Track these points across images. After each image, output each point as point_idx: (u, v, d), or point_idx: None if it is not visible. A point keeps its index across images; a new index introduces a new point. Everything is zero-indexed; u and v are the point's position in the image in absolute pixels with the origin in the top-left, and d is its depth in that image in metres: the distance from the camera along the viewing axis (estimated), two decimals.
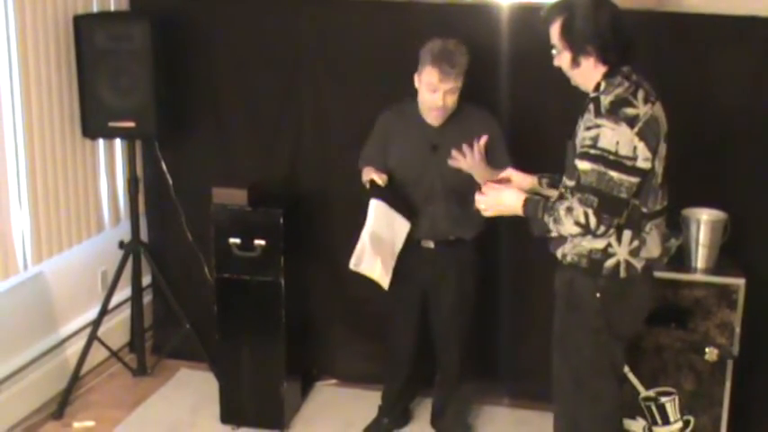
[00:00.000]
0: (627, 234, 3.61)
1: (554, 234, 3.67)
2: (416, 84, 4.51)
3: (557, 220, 3.57)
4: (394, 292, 4.71)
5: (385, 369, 5.14)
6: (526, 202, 3.70)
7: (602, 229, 3.50)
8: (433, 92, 4.40)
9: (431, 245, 4.66)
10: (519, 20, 4.79)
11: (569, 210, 3.51)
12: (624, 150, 3.43)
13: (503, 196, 3.81)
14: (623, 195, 3.47)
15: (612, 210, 3.48)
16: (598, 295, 3.65)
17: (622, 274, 3.64)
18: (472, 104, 4.59)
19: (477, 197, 3.88)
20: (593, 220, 3.46)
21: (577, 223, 3.49)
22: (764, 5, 4.61)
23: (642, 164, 3.47)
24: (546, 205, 3.62)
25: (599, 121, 3.48)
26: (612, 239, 3.60)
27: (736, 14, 4.63)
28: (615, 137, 3.44)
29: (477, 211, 3.98)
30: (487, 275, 5.09)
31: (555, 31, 3.62)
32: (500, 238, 5.05)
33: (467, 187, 4.37)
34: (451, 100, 4.44)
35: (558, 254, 3.78)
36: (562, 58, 3.64)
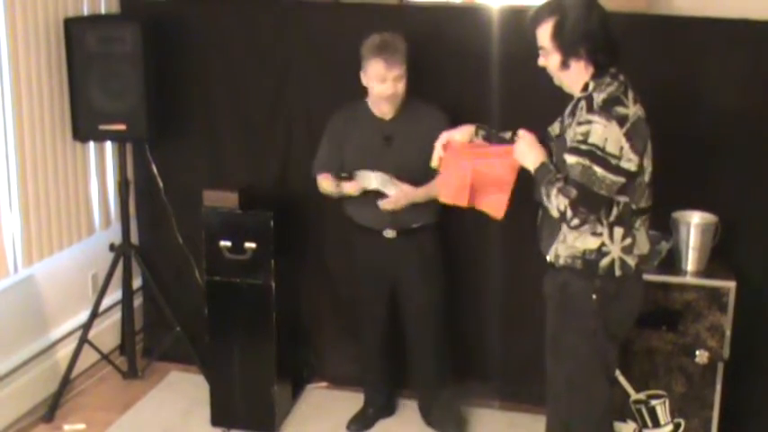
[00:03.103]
0: (618, 231, 3.63)
1: (546, 204, 3.68)
2: (364, 81, 4.63)
3: (548, 196, 3.60)
4: (360, 287, 4.92)
5: (362, 364, 5.21)
6: (541, 166, 3.68)
7: (576, 222, 3.53)
8: (383, 81, 4.54)
9: (392, 234, 4.71)
10: (509, 22, 4.80)
11: (559, 191, 3.55)
12: (611, 148, 3.45)
13: (532, 149, 3.75)
14: (603, 192, 3.50)
15: (589, 205, 3.51)
16: (594, 297, 3.66)
17: (617, 272, 3.65)
18: (419, 99, 4.70)
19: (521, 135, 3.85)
20: (569, 212, 3.51)
21: (558, 209, 3.56)
22: (754, 8, 4.62)
23: (625, 164, 3.48)
24: (554, 178, 3.62)
25: (591, 117, 3.50)
26: (605, 237, 3.63)
27: (727, 17, 4.63)
28: (605, 134, 3.46)
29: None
30: (478, 275, 5.11)
31: (545, 32, 3.62)
32: (490, 238, 5.06)
33: (422, 175, 4.49)
34: (401, 87, 4.57)
35: (550, 256, 3.78)
36: (550, 60, 3.65)
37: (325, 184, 4.77)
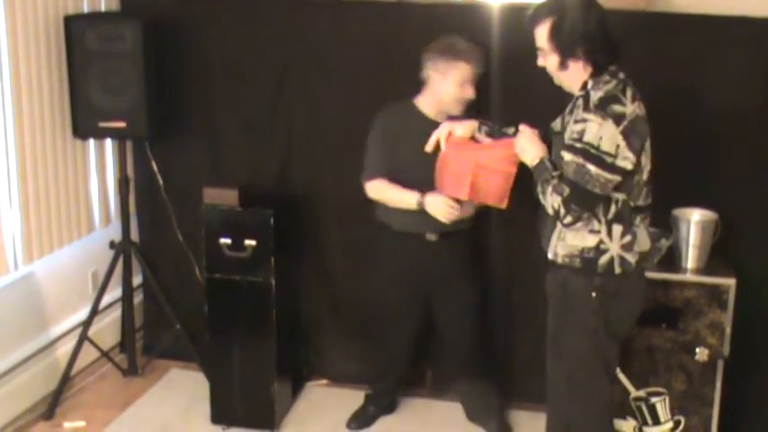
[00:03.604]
0: (617, 229, 3.63)
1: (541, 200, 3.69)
2: (434, 79, 4.56)
3: (544, 192, 3.61)
4: (394, 292, 4.86)
5: (376, 366, 5.21)
6: (539, 162, 3.68)
7: (569, 219, 3.54)
8: (462, 85, 4.52)
9: (434, 237, 4.68)
10: (510, 20, 4.80)
11: (554, 189, 3.56)
12: (606, 146, 3.45)
13: (532, 145, 3.76)
14: (596, 190, 3.50)
15: (582, 202, 3.51)
16: (594, 295, 3.66)
17: (617, 269, 3.65)
18: None
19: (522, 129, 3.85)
20: (562, 210, 3.52)
21: (552, 207, 3.57)
22: (754, 6, 4.62)
23: (621, 162, 3.48)
24: (550, 176, 3.61)
25: (586, 116, 3.51)
26: (604, 235, 3.62)
27: (726, 15, 4.63)
28: (600, 132, 3.46)
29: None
30: (479, 274, 5.11)
31: (543, 33, 3.62)
32: (492, 236, 5.06)
33: None
34: (475, 92, 4.59)
35: (550, 254, 3.79)
36: (549, 60, 3.65)
37: (385, 188, 4.65)
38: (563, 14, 3.57)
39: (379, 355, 5.16)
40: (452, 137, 3.99)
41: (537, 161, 3.69)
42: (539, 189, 3.64)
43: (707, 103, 4.72)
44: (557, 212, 3.56)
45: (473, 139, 4.03)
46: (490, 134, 4.01)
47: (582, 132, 3.49)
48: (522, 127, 3.82)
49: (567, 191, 3.51)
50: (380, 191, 4.67)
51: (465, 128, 4.00)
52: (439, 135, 4.01)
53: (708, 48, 4.70)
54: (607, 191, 3.53)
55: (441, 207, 4.45)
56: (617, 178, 3.51)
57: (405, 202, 4.58)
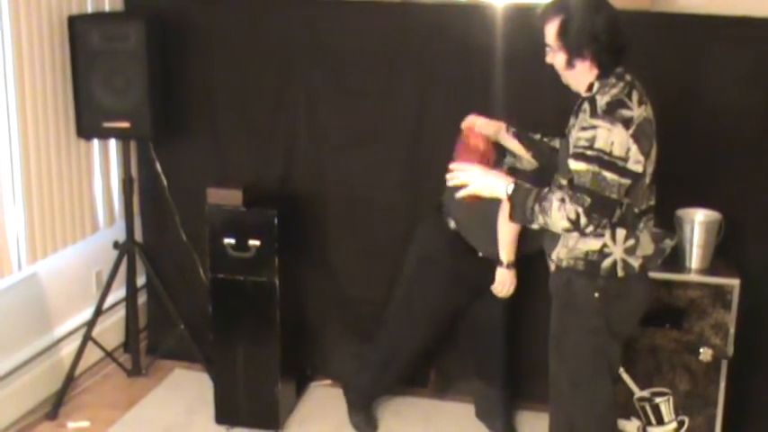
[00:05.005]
0: (621, 233, 3.61)
1: (535, 225, 3.60)
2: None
3: (545, 211, 3.49)
4: (441, 300, 4.81)
5: (382, 370, 5.12)
6: (516, 188, 3.59)
7: (591, 228, 3.48)
8: None
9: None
10: (513, 20, 4.79)
11: (562, 202, 3.46)
12: (618, 151, 3.42)
13: (490, 175, 3.68)
14: (614, 196, 3.46)
15: (603, 210, 3.47)
16: (596, 295, 3.64)
17: (620, 273, 3.63)
18: None
19: (460, 172, 3.72)
20: (583, 219, 3.45)
21: (568, 219, 3.45)
22: (757, 6, 4.62)
23: (632, 166, 3.46)
24: (540, 194, 3.53)
25: (595, 122, 3.47)
26: (608, 239, 3.60)
27: (730, 15, 4.63)
28: (611, 137, 3.43)
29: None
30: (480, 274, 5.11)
31: (551, 30, 3.60)
32: (494, 236, 5.05)
33: None
34: None
35: (553, 257, 3.77)
36: (556, 58, 3.63)
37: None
38: (572, 13, 3.55)
39: (384, 359, 5.08)
40: (474, 131, 3.94)
41: (513, 186, 3.59)
42: (535, 208, 3.52)
43: (710, 102, 4.72)
44: (575, 223, 3.46)
45: (487, 141, 4.00)
46: (517, 135, 3.99)
47: (592, 139, 3.45)
48: (466, 167, 3.73)
49: (587, 201, 3.44)
50: None
51: (489, 125, 3.97)
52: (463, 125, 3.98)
53: (711, 47, 4.70)
54: (621, 196, 3.51)
55: (504, 280, 4.59)
56: (629, 182, 3.48)
57: (503, 241, 4.52)
